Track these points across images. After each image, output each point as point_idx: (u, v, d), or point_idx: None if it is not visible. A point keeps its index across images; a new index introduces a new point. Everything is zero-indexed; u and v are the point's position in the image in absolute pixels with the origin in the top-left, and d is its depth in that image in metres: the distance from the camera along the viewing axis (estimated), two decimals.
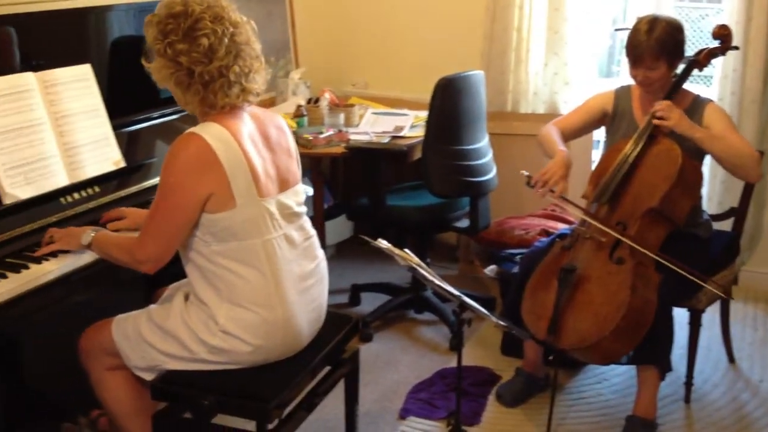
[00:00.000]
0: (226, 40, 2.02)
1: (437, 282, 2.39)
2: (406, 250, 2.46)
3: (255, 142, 2.09)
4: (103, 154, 2.53)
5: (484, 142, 3.42)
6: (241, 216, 2.02)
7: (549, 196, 2.77)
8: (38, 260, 2.16)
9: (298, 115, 3.63)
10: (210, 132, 2.00)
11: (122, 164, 2.59)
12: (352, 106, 3.79)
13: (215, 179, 1.99)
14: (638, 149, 2.77)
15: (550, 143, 2.92)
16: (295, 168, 2.22)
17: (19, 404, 2.54)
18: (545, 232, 3.48)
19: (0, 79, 2.28)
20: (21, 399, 2.54)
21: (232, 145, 2.01)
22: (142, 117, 2.82)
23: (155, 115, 2.87)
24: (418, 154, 3.46)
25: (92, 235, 2.16)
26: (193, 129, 2.02)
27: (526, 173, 2.79)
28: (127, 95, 2.71)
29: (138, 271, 2.14)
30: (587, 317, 2.61)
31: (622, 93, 3.00)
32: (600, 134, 3.39)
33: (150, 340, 2.13)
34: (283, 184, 2.15)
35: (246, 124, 2.10)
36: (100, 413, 2.56)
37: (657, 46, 2.72)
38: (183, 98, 2.09)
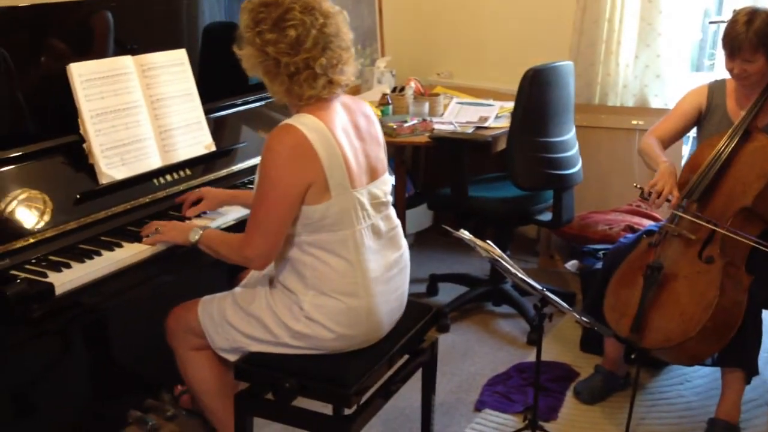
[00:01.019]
0: (314, 31, 2.01)
1: (520, 275, 2.37)
2: (489, 241, 2.45)
3: (347, 132, 2.09)
4: (195, 137, 2.59)
5: (570, 135, 3.37)
6: (334, 208, 2.03)
7: (666, 206, 2.73)
8: (130, 240, 2.23)
9: (383, 103, 3.64)
10: (306, 123, 2.01)
11: (213, 148, 2.64)
12: (437, 95, 3.78)
13: (313, 171, 1.99)
14: (732, 145, 2.69)
15: (652, 155, 2.86)
16: (384, 156, 2.22)
17: (105, 379, 2.63)
18: (630, 228, 3.41)
19: (99, 62, 2.35)
20: (108, 374, 2.64)
21: (327, 136, 2.01)
22: (230, 102, 2.87)
23: (243, 101, 2.92)
24: (502, 146, 3.44)
25: (200, 232, 2.18)
26: (289, 120, 2.02)
27: (638, 186, 2.76)
28: (216, 81, 2.76)
29: (247, 266, 2.17)
30: (673, 317, 2.55)
31: (716, 87, 2.90)
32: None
33: (234, 322, 2.17)
34: (373, 174, 2.15)
35: (339, 114, 2.10)
36: (182, 390, 2.62)
37: (756, 38, 2.63)
38: (271, 87, 2.10)
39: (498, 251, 2.42)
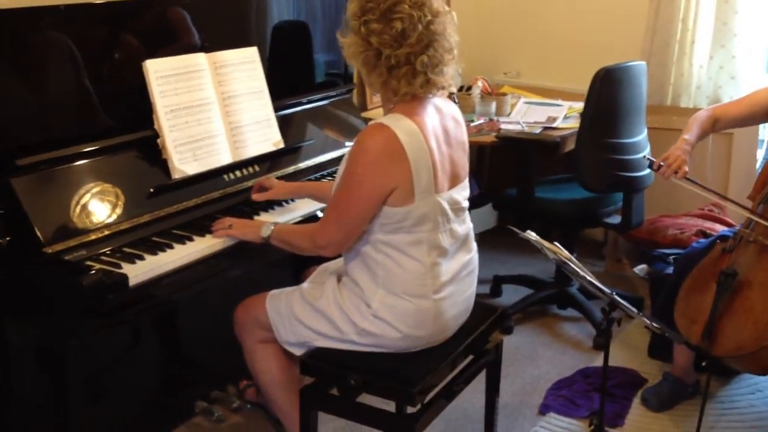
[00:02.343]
0: (420, 27, 1.97)
1: (588, 278, 2.33)
2: (556, 243, 2.41)
3: (437, 137, 2.06)
4: (264, 134, 2.62)
5: (641, 136, 3.30)
6: (416, 212, 2.02)
7: (673, 178, 2.74)
8: (201, 234, 2.27)
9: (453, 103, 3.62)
10: (399, 125, 1.98)
11: (281, 145, 2.67)
12: (504, 94, 3.75)
13: (400, 173, 1.97)
14: None
15: (688, 127, 2.84)
16: (466, 162, 2.19)
17: (174, 370, 2.68)
18: (702, 233, 3.33)
19: (174, 59, 2.39)
20: (176, 365, 2.69)
21: (419, 140, 1.99)
22: (296, 101, 2.89)
23: (309, 99, 2.94)
24: (570, 146, 3.39)
25: (272, 227, 2.20)
26: (382, 120, 2.00)
27: (647, 156, 2.83)
28: (283, 79, 2.79)
29: (317, 255, 2.18)
30: (746, 324, 2.48)
31: None
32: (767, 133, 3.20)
33: (301, 317, 2.18)
34: (455, 179, 2.13)
35: (431, 117, 2.06)
36: (248, 383, 2.66)
37: None
38: (367, 79, 2.08)
39: (566, 253, 2.38)
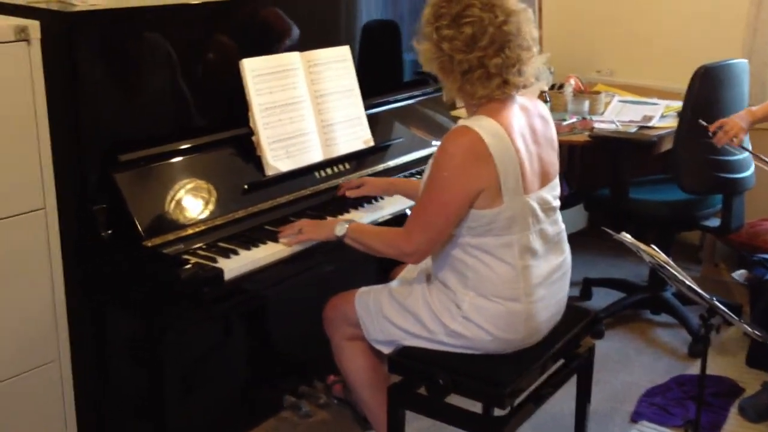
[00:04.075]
0: (491, 29, 1.95)
1: (687, 282, 2.25)
2: (653, 246, 2.34)
3: (524, 136, 2.03)
4: (354, 132, 2.63)
5: None
6: (505, 214, 1.99)
7: (728, 145, 2.78)
8: None
9: (541, 100, 3.57)
10: (483, 126, 1.96)
11: (371, 143, 2.68)
12: (597, 93, 3.66)
13: (487, 175, 1.95)
14: None
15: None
16: (556, 160, 2.15)
17: (263, 364, 2.73)
18: None
19: (270, 58, 2.43)
20: (266, 359, 2.73)
21: (504, 141, 1.96)
22: (386, 99, 2.90)
23: (398, 97, 2.94)
24: (666, 146, 3.29)
25: (346, 226, 2.17)
26: (466, 122, 1.98)
27: (701, 121, 2.84)
28: (372, 77, 2.79)
29: (401, 260, 2.18)
30: None
31: None
32: None
33: (390, 316, 2.18)
34: (545, 179, 2.09)
35: (516, 116, 2.04)
36: (335, 380, 2.68)
37: None
38: (444, 84, 2.07)
39: (663, 256, 2.31)
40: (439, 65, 2.03)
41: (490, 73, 1.97)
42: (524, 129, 2.04)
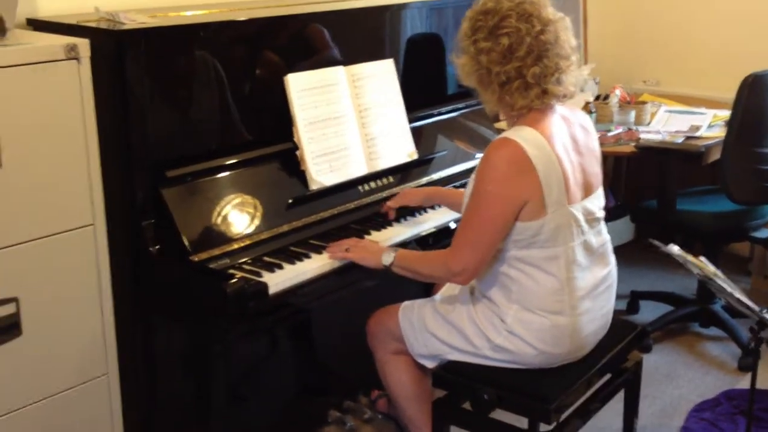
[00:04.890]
0: (528, 39, 1.95)
1: (736, 295, 2.21)
2: (702, 258, 2.30)
3: (566, 146, 2.02)
4: (398, 145, 2.63)
5: None
6: (549, 225, 1.97)
7: None
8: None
9: (586, 111, 3.54)
10: (525, 137, 1.95)
11: (415, 156, 2.68)
12: (644, 103, 3.62)
13: (530, 186, 1.93)
14: None
15: None
16: (599, 170, 2.14)
17: (308, 378, 2.73)
18: None
19: (314, 73, 2.44)
20: (310, 373, 2.74)
21: (546, 151, 1.95)
22: (429, 112, 2.90)
23: (440, 110, 2.93)
24: (714, 156, 3.24)
25: (393, 255, 2.14)
26: (507, 134, 1.98)
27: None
28: (415, 90, 2.79)
29: (450, 282, 2.17)
30: None
31: None
32: None
33: (434, 330, 2.17)
34: (588, 189, 2.07)
35: (557, 127, 2.02)
36: (380, 394, 2.67)
37: None
38: (483, 96, 2.07)
39: (712, 268, 2.27)
40: (477, 78, 2.03)
41: (528, 83, 1.96)
42: (566, 139, 2.03)
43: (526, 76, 1.96)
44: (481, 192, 1.98)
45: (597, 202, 2.11)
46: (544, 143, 1.95)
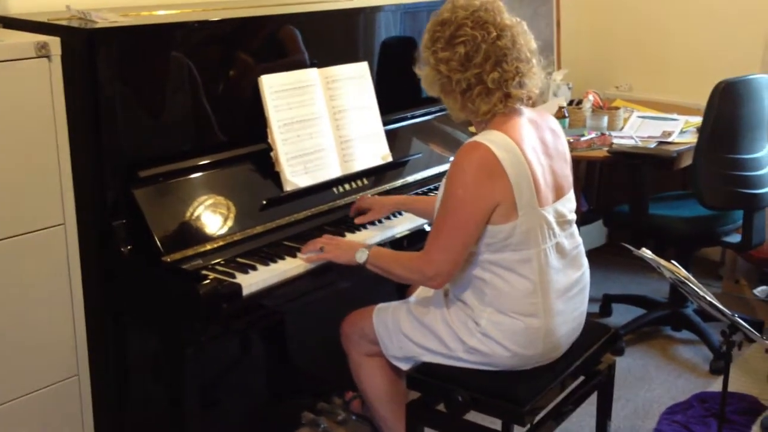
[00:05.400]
0: (484, 45, 1.98)
1: (708, 298, 2.23)
2: (674, 261, 2.33)
3: (535, 149, 2.03)
4: (372, 148, 2.63)
5: (764, 152, 3.15)
6: (521, 228, 1.98)
7: None
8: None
9: (559, 116, 3.55)
10: (494, 140, 1.96)
11: (389, 159, 2.68)
12: (616, 108, 3.65)
13: (501, 190, 1.94)
14: None
15: None
16: (569, 173, 2.15)
17: (281, 380, 2.72)
18: None
19: (288, 74, 2.43)
20: (283, 375, 2.72)
21: (516, 154, 1.96)
22: (404, 115, 2.90)
23: (414, 114, 2.94)
24: (686, 162, 3.27)
25: (367, 252, 2.14)
26: (477, 138, 1.99)
27: None
28: (389, 94, 2.79)
29: (424, 286, 2.18)
30: None
31: None
32: None
33: (408, 332, 2.17)
34: (559, 191, 2.09)
35: (526, 130, 2.04)
36: (353, 396, 2.66)
37: None
38: (447, 105, 2.10)
39: (684, 272, 2.29)
40: (440, 87, 2.06)
41: (489, 88, 1.99)
42: (535, 142, 2.04)
43: (486, 82, 1.99)
44: (451, 196, 1.98)
45: (568, 205, 2.12)
46: (513, 146, 1.96)
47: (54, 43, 1.94)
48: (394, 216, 2.55)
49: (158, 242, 2.07)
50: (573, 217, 2.14)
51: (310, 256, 2.21)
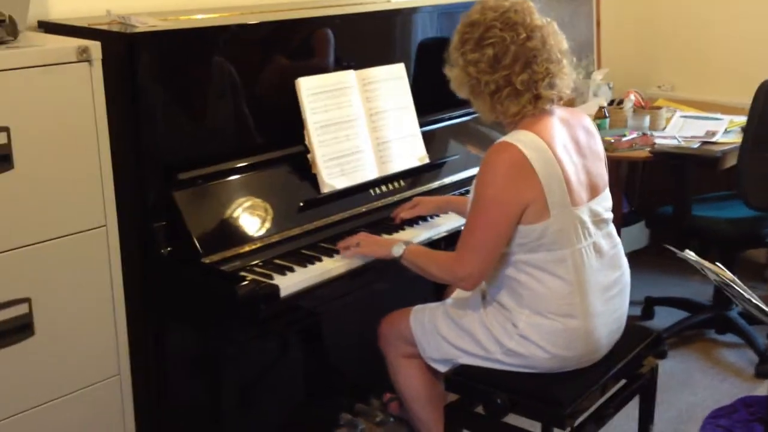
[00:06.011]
0: (513, 47, 1.97)
1: (754, 301, 2.18)
2: (718, 264, 2.28)
3: (567, 148, 2.02)
4: (409, 149, 2.63)
5: None
6: (553, 227, 1.96)
7: None
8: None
9: (599, 116, 3.52)
10: (524, 141, 1.96)
11: (426, 160, 2.67)
12: (658, 108, 3.60)
13: (532, 190, 1.94)
14: None
15: None
16: (604, 172, 2.13)
17: (319, 381, 2.72)
18: None
19: (325, 76, 2.44)
20: (321, 376, 2.73)
21: (546, 153, 1.95)
22: (440, 116, 2.89)
23: (453, 115, 2.92)
24: (730, 162, 3.21)
25: (404, 247, 2.15)
26: (506, 138, 1.99)
27: None
28: (426, 95, 2.79)
29: (456, 286, 2.17)
30: None
31: None
32: None
33: (445, 334, 2.16)
34: (594, 190, 2.07)
35: (557, 129, 2.02)
36: (391, 397, 2.66)
37: None
38: (476, 106, 2.09)
39: (729, 274, 2.24)
40: (469, 89, 2.06)
41: (518, 90, 1.98)
42: (566, 141, 2.03)
43: (515, 84, 1.98)
44: (481, 197, 1.98)
45: (604, 203, 2.10)
46: (542, 145, 1.95)
47: (95, 47, 1.96)
48: (431, 218, 2.54)
49: (197, 243, 2.09)
50: (609, 215, 2.12)
51: (348, 252, 2.22)
